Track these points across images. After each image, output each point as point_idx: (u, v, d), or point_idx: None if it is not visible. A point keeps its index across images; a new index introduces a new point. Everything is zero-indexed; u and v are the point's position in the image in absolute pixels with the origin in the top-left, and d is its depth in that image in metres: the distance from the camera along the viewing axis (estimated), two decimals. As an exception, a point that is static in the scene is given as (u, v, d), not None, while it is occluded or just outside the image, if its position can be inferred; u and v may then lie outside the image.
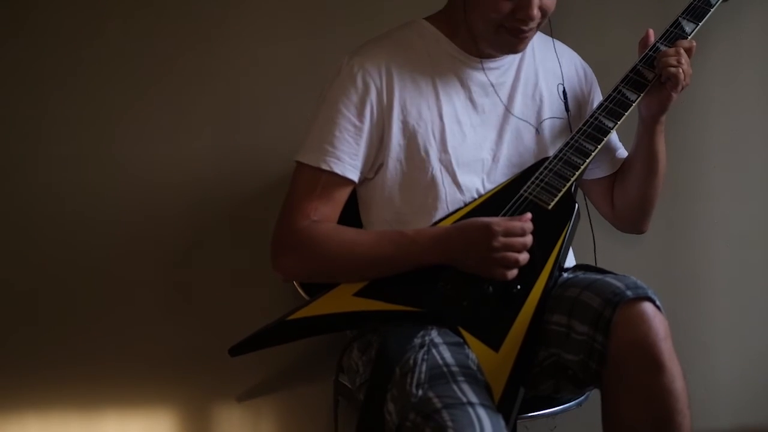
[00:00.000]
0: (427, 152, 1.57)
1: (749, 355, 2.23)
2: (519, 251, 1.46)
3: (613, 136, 1.76)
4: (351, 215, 1.63)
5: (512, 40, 1.55)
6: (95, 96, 1.99)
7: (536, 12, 1.50)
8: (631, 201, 1.71)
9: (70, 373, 2.00)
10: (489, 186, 1.60)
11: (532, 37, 1.57)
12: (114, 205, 2.00)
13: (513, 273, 1.46)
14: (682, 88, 1.59)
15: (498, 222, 1.46)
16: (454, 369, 1.34)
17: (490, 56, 1.62)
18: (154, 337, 2.01)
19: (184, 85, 2.02)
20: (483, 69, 1.62)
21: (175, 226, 2.03)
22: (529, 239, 1.47)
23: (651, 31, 1.67)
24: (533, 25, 1.53)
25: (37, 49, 1.97)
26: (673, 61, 1.57)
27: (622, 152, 1.76)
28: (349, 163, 1.55)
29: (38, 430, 2.00)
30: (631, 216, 1.73)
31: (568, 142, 1.60)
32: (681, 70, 1.57)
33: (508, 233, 1.45)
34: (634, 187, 1.69)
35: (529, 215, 1.48)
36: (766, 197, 2.22)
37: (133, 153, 2.00)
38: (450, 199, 1.58)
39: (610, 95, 1.62)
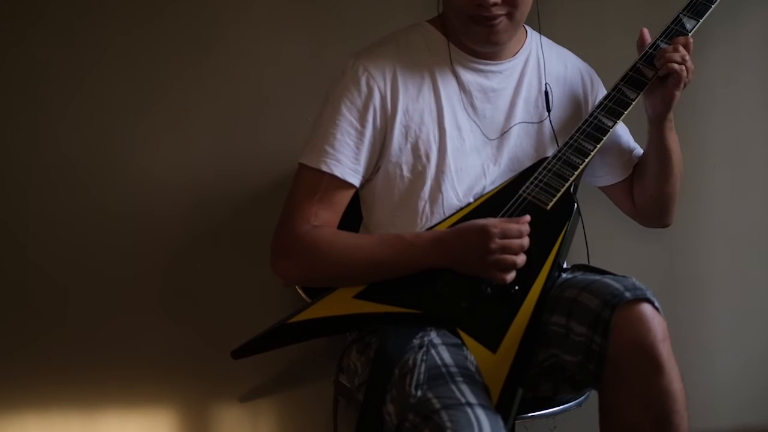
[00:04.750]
0: (427, 157, 1.57)
1: (749, 355, 2.23)
2: (516, 253, 1.46)
3: (627, 137, 1.76)
4: (349, 217, 1.63)
5: (481, 30, 1.53)
6: (96, 98, 1.99)
7: None
8: (650, 198, 1.72)
9: (71, 373, 2.00)
10: (488, 191, 1.60)
11: (504, 28, 1.53)
12: (115, 206, 2.00)
13: (511, 276, 1.46)
14: (685, 85, 1.59)
15: (495, 224, 1.46)
16: (453, 370, 1.34)
17: (492, 58, 1.61)
18: (154, 337, 2.01)
19: (184, 87, 2.02)
20: (485, 73, 1.61)
21: (177, 228, 2.03)
22: (526, 241, 1.46)
23: (645, 31, 1.67)
24: (497, 11, 1.50)
25: (39, 52, 1.97)
26: (676, 57, 1.57)
27: (638, 152, 1.76)
28: (349, 167, 1.55)
29: (39, 430, 2.00)
30: (653, 212, 1.75)
31: (567, 142, 1.59)
32: (684, 67, 1.57)
33: (505, 235, 1.45)
34: (652, 185, 1.69)
35: (527, 217, 1.48)
36: (766, 197, 2.22)
37: (133, 154, 2.00)
38: (447, 204, 1.58)
39: (609, 94, 1.62)
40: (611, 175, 1.74)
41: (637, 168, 1.74)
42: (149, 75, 2.00)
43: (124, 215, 2.01)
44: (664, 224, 1.78)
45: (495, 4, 1.49)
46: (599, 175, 1.74)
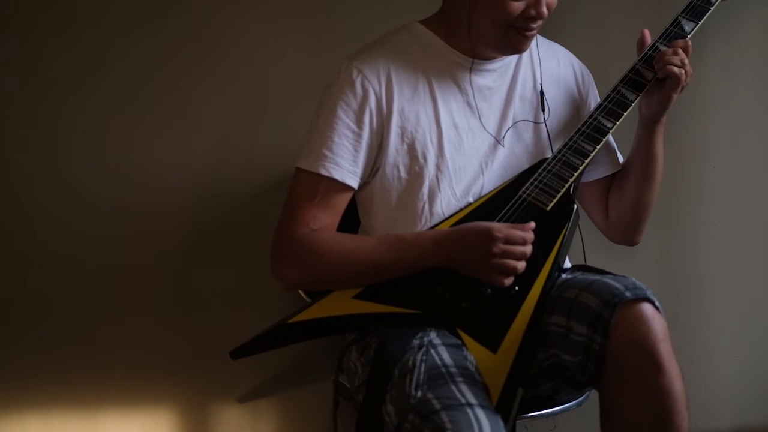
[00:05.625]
0: (425, 158, 1.57)
1: (749, 355, 2.23)
2: (518, 259, 1.46)
3: (611, 139, 1.75)
4: (348, 219, 1.62)
5: (519, 40, 1.55)
6: (98, 99, 1.99)
7: (545, 9, 1.51)
8: (626, 207, 1.70)
9: (71, 373, 2.00)
10: (487, 190, 1.60)
11: (534, 37, 1.57)
12: (115, 206, 2.00)
13: (509, 280, 1.47)
14: (682, 89, 1.59)
15: (499, 228, 1.46)
16: (453, 370, 1.34)
17: (487, 57, 1.61)
18: (153, 337, 2.01)
19: (185, 87, 2.02)
20: (480, 71, 1.61)
21: (177, 227, 2.03)
22: (528, 249, 1.47)
23: (647, 32, 1.67)
24: (540, 22, 1.53)
25: (41, 52, 1.97)
26: (676, 60, 1.57)
27: (619, 157, 1.76)
28: (348, 169, 1.55)
29: (39, 430, 2.00)
30: (625, 225, 1.72)
31: (566, 143, 1.60)
32: (684, 71, 1.57)
33: (509, 241, 1.45)
34: (631, 192, 1.68)
35: (532, 224, 1.48)
36: (766, 197, 2.22)
37: (132, 155, 2.01)
38: (446, 204, 1.58)
39: (609, 95, 1.62)
40: (595, 171, 1.73)
41: (617, 174, 1.73)
42: (150, 76, 2.01)
43: (123, 216, 2.01)
44: (633, 240, 1.74)
45: (543, 17, 1.52)
46: (585, 170, 1.73)
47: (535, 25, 1.53)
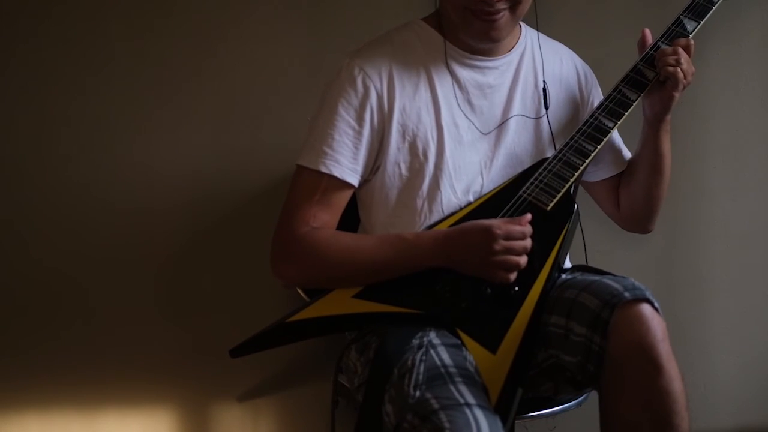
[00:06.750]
0: (425, 156, 1.57)
1: (749, 355, 2.23)
2: (519, 254, 1.46)
3: (617, 137, 1.76)
4: (349, 218, 1.62)
5: (480, 25, 1.52)
6: (99, 99, 1.99)
7: None
8: (637, 202, 1.71)
9: (71, 373, 2.00)
10: (487, 188, 1.60)
11: (505, 23, 1.53)
12: (115, 205, 2.01)
13: (512, 276, 1.46)
14: (684, 87, 1.58)
15: (499, 225, 1.46)
16: (452, 370, 1.34)
17: (488, 54, 1.61)
18: (153, 337, 2.01)
19: (183, 85, 2.02)
20: (481, 69, 1.61)
21: (176, 226, 2.03)
22: (528, 242, 1.47)
23: (647, 31, 1.66)
24: (500, 7, 1.50)
25: (43, 53, 1.98)
26: (671, 60, 1.57)
27: (627, 153, 1.76)
28: (348, 167, 1.55)
29: (38, 430, 2.00)
30: (637, 217, 1.74)
31: (567, 143, 1.59)
32: (680, 70, 1.56)
33: (509, 237, 1.45)
34: (640, 188, 1.69)
35: (528, 217, 1.48)
36: (766, 197, 2.21)
37: (132, 153, 2.01)
38: (446, 203, 1.58)
39: (610, 95, 1.61)
40: (601, 171, 1.74)
41: (626, 171, 1.73)
42: (152, 76, 2.01)
43: (124, 216, 2.01)
44: (646, 230, 1.76)
45: (499, 0, 1.48)
46: (589, 171, 1.74)
47: (491, 9, 1.49)
